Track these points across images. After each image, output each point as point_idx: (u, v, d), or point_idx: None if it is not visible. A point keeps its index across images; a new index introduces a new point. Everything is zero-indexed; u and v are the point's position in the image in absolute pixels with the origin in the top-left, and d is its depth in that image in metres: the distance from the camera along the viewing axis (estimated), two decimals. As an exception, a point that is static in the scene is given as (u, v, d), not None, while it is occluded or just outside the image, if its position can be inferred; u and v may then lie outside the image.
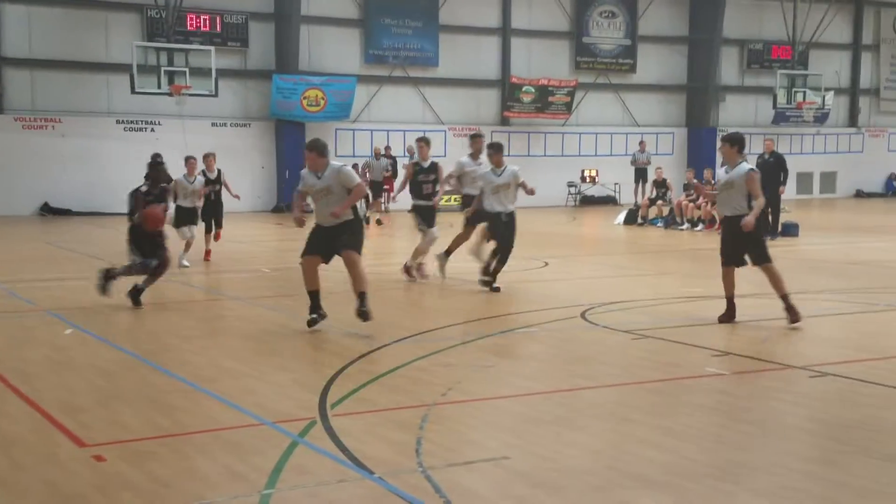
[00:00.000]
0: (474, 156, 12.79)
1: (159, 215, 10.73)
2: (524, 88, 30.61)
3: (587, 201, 31.56)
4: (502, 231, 11.76)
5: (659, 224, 22.92)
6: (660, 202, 23.87)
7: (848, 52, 36.08)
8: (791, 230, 19.84)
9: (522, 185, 11.73)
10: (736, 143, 9.66)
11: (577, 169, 31.18)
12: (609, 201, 31.52)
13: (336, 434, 5.88)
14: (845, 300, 11.33)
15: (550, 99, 30.96)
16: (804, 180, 34.71)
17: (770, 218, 18.75)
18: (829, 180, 35.99)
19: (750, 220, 9.32)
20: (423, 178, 12.80)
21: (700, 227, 21.58)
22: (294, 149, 28.19)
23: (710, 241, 19.18)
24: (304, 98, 27.65)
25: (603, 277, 12.37)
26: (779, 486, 4.99)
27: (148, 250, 10.59)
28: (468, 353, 8.33)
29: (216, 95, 26.14)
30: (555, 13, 31.65)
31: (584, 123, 32.09)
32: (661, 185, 24.22)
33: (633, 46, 32.70)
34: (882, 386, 7.06)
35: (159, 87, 25.12)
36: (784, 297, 9.41)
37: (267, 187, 28.56)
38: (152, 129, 26.79)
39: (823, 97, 33.34)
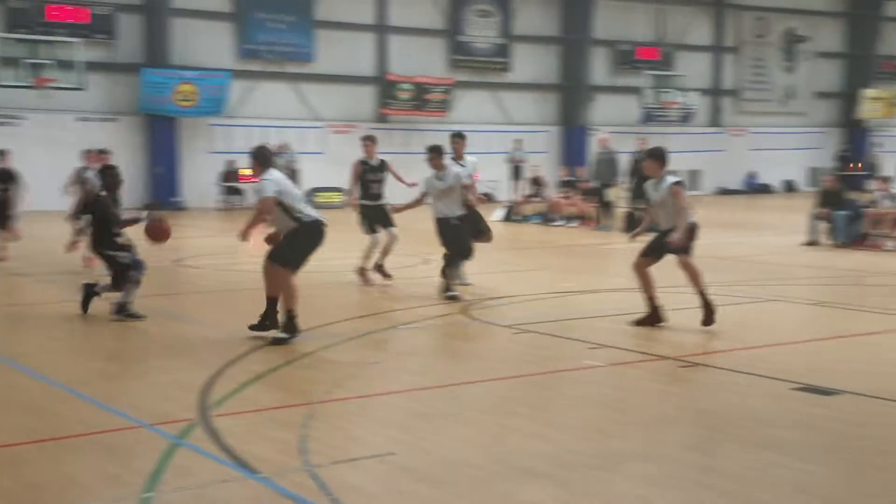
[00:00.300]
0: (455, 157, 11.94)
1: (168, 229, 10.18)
2: (401, 86, 30.68)
3: (464, 198, 31.81)
4: (451, 236, 11.15)
5: (535, 220, 23.35)
6: (536, 199, 24.32)
7: (711, 54, 37.55)
8: (659, 226, 20.49)
9: (467, 190, 11.22)
10: (657, 157, 9.47)
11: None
12: (486, 198, 31.88)
13: (218, 434, 5.78)
14: (713, 294, 11.76)
15: (427, 96, 31.12)
16: (671, 178, 36.06)
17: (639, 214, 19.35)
18: (694, 178, 37.36)
19: (674, 237, 9.11)
20: (372, 178, 12.23)
21: (575, 223, 22.09)
22: (166, 144, 27.50)
23: (585, 238, 19.69)
24: (176, 93, 26.94)
25: (483, 273, 12.51)
26: (656, 473, 5.18)
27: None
28: (353, 350, 8.31)
29: (83, 89, 25.23)
30: (430, 11, 31.82)
31: (462, 121, 32.33)
32: (536, 182, 24.71)
33: (507, 45, 33.19)
34: (748, 374, 7.39)
35: (22, 79, 24.06)
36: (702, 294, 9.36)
37: (136, 184, 27.72)
38: (15, 124, 25.62)
39: (688, 97, 34.64)
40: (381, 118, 30.96)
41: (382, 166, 12.36)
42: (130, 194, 27.46)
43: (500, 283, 12.63)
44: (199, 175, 27.80)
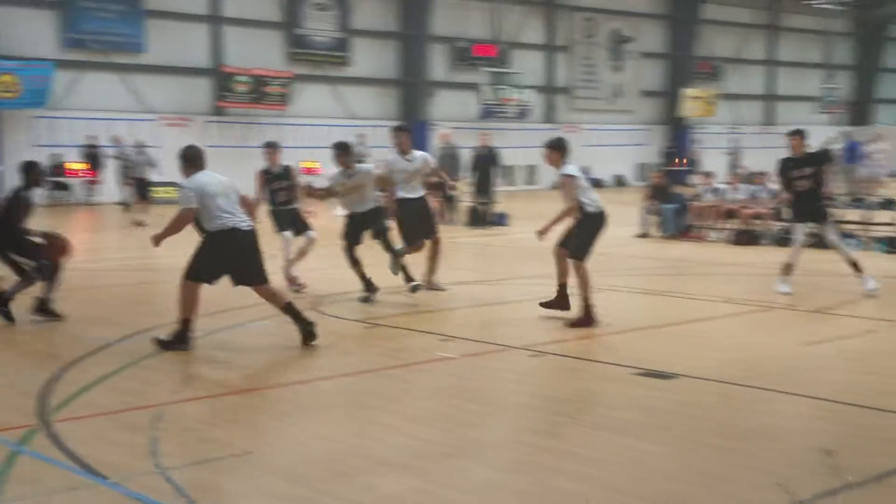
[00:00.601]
0: (403, 151, 11.31)
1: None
2: (238, 78, 30.03)
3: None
4: (408, 219, 10.94)
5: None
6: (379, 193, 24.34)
7: (544, 53, 38.60)
8: (501, 220, 20.98)
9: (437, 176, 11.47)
10: (557, 148, 9.49)
11: (296, 160, 31.02)
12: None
13: (61, 440, 5.53)
14: (555, 284, 12.14)
15: (266, 89, 30.58)
16: (508, 173, 36.72)
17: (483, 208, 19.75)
18: (531, 173, 38.34)
19: (541, 229, 9.35)
20: (277, 186, 11.62)
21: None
22: (-15, 137, 25.94)
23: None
24: (-3, 83, 25.44)
25: (327, 268, 12.45)
26: (512, 460, 5.32)
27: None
28: (198, 350, 8.09)
29: None
30: (266, 3, 31.29)
31: (302, 115, 32.01)
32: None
33: (346, 39, 33.05)
34: (593, 362, 7.69)
35: None
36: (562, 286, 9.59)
37: (-46, 179, 26.04)
38: None
39: (524, 94, 35.49)
40: (218, 111, 30.23)
41: (287, 173, 11.88)
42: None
43: (348, 278, 12.56)
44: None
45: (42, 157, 26.46)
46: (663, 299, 11.30)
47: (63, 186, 26.96)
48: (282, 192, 11.75)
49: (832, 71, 47.28)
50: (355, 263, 10.70)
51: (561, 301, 9.54)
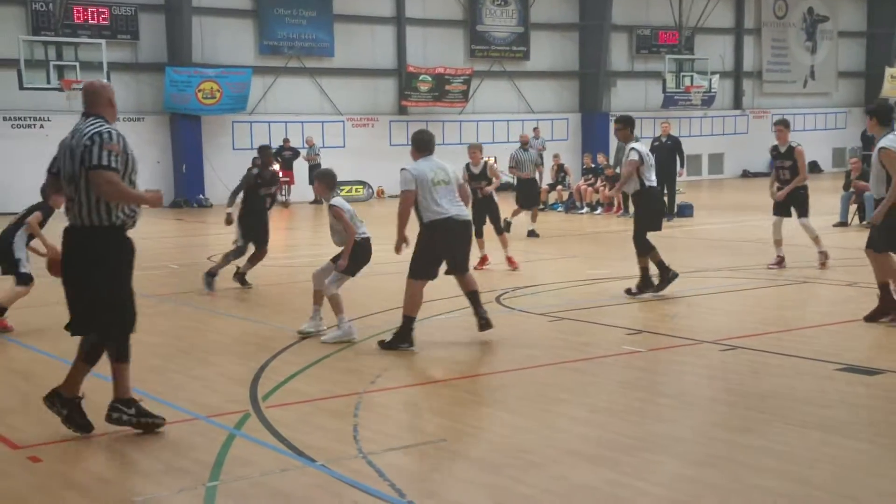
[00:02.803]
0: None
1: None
2: (421, 77, 30.71)
3: (486, 188, 31.86)
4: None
5: (559, 209, 23.39)
6: (559, 187, 24.38)
7: (731, 37, 37.36)
8: (686, 211, 20.53)
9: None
10: (627, 123, 10.44)
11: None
12: (508, 187, 31.94)
13: (272, 425, 5.92)
14: (744, 276, 11.84)
15: (447, 87, 31.15)
16: (693, 162, 35.78)
17: (666, 199, 19.36)
18: (716, 161, 37.22)
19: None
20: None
21: (599, 210, 22.12)
22: (190, 142, 27.70)
23: (610, 224, 19.73)
24: (199, 91, 27.13)
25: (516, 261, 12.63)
26: (705, 455, 5.27)
27: None
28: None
29: (108, 89, 25.36)
30: (448, 1, 31.84)
31: (481, 111, 32.40)
32: (559, 170, 24.77)
33: (525, 34, 33.15)
34: (789, 356, 7.45)
35: (48, 81, 24.29)
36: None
37: (164, 182, 27.97)
38: (41, 126, 25.88)
39: (710, 80, 34.46)
40: (402, 110, 31.05)
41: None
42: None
43: (529, 271, 12.71)
44: (223, 172, 28.01)
45: (242, 161, 28.10)
46: (864, 292, 10.78)
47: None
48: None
49: None
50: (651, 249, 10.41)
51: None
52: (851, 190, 17.72)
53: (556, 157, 25.69)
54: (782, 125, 12.64)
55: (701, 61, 34.49)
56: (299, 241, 19.20)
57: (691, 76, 33.93)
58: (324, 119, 29.78)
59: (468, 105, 31.83)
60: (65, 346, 8.55)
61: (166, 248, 17.26)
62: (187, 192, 27.40)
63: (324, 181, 8.72)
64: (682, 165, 19.87)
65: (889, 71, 38.67)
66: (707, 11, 34.07)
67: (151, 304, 10.90)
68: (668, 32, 34.74)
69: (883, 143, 8.48)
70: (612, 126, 31.80)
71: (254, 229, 11.66)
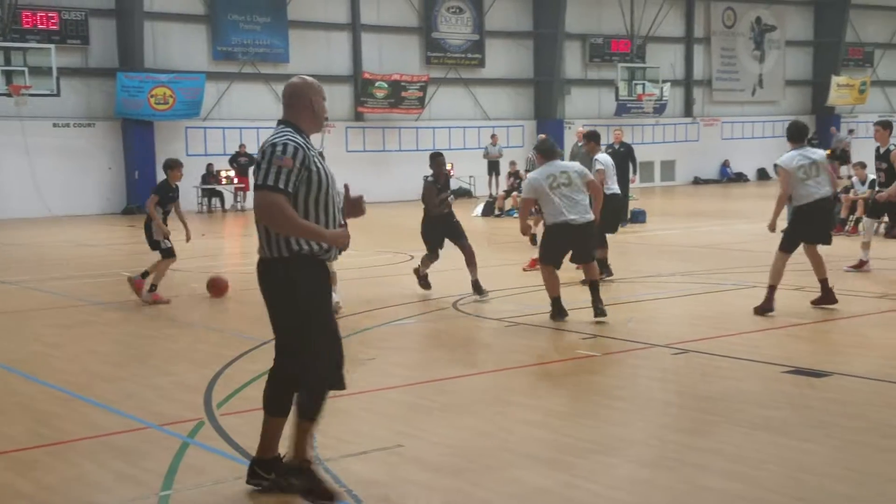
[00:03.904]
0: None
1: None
2: (377, 84, 30.73)
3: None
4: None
5: (515, 215, 23.48)
6: (514, 193, 24.49)
7: (682, 45, 37.87)
8: (639, 217, 20.76)
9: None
10: (592, 138, 11.95)
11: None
12: (465, 194, 32.04)
13: (226, 433, 5.88)
14: (695, 281, 12.01)
15: (403, 94, 31.19)
16: (646, 169, 36.20)
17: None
18: (668, 168, 37.68)
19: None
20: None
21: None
22: (143, 148, 27.40)
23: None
24: (152, 96, 26.87)
25: (464, 268, 12.65)
26: (658, 457, 5.33)
27: None
28: (348, 347, 8.37)
29: (58, 95, 25.10)
30: (403, 8, 31.89)
31: (437, 118, 32.49)
32: (514, 176, 24.90)
33: (481, 41, 33.32)
34: (738, 359, 7.57)
35: (-4, 87, 23.99)
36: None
37: (115, 188, 27.66)
38: (-10, 131, 25.48)
39: (661, 89, 34.91)
40: (358, 116, 31.02)
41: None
42: (110, 200, 27.51)
43: (486, 277, 12.72)
44: (176, 178, 27.77)
45: (196, 167, 27.87)
46: (812, 295, 10.98)
47: (216, 194, 28.20)
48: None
49: None
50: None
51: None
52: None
53: (512, 163, 25.84)
54: (881, 126, 12.15)
55: (652, 70, 34.93)
56: (253, 248, 19.04)
57: (643, 84, 34.35)
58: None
59: (424, 112, 31.89)
60: (13, 355, 8.40)
61: (117, 256, 17.05)
62: (140, 199, 27.02)
63: (594, 139, 10.83)
64: (634, 172, 20.06)
65: (835, 79, 39.50)
66: (658, 20, 34.54)
67: (102, 312, 10.79)
68: (621, 41, 35.13)
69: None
70: (567, 133, 32.39)
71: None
